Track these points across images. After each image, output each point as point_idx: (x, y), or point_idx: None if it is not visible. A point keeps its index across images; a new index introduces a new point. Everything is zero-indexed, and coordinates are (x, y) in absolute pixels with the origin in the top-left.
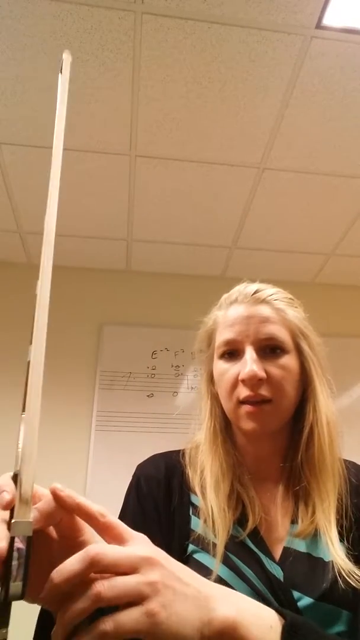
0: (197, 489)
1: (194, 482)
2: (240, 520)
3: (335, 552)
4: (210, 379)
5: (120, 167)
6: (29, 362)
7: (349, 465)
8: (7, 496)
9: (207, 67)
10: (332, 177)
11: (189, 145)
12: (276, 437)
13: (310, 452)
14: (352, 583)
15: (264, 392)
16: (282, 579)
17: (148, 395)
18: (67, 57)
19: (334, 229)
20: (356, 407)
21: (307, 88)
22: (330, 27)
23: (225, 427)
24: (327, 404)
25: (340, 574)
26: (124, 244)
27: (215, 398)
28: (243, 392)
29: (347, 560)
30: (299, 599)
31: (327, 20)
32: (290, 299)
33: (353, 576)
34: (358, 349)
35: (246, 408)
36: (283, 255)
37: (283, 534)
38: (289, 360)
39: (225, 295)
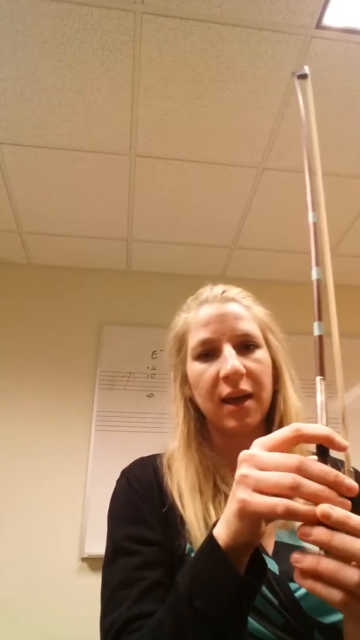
0: (177, 499)
1: (173, 491)
2: None
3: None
4: (184, 383)
5: (120, 167)
6: (317, 337)
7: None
8: (346, 442)
9: (207, 67)
10: (332, 177)
11: (189, 145)
12: (255, 433)
13: None
14: None
15: (245, 386)
16: (277, 572)
17: (148, 395)
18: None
19: (334, 229)
20: (356, 406)
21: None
22: (330, 27)
23: (200, 430)
24: (294, 395)
25: None
26: (124, 244)
27: (188, 401)
28: (224, 389)
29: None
30: (296, 590)
31: (327, 20)
32: (253, 297)
33: None
34: (358, 349)
35: (228, 407)
36: (283, 255)
37: (272, 528)
38: (263, 354)
39: (191, 298)
